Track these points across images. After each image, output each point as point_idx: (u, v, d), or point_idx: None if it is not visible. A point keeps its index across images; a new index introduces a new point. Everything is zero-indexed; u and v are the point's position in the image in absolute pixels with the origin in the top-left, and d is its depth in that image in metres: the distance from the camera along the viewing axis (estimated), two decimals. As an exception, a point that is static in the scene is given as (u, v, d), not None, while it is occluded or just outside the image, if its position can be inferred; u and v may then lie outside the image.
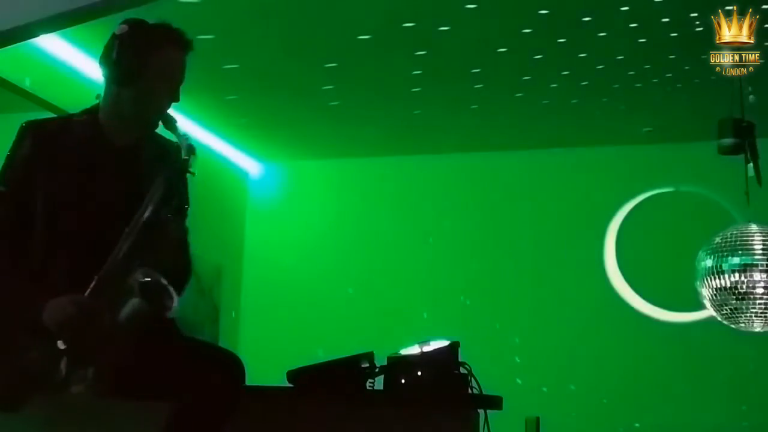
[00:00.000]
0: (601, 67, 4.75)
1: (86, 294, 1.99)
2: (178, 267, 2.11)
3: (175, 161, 2.08)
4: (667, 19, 4.16)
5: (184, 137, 2.09)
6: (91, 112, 2.24)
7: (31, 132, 2.19)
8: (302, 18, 4.27)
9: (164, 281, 1.97)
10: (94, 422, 2.26)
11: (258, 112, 5.64)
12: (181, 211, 2.09)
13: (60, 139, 2.17)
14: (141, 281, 1.95)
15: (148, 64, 2.14)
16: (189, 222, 2.15)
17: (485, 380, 2.48)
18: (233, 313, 6.27)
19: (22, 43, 3.44)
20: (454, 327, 4.73)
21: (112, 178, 2.16)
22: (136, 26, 2.18)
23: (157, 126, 2.21)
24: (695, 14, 4.06)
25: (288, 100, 5.35)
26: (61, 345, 1.97)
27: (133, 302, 1.95)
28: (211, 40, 4.40)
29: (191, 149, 2.07)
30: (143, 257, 1.98)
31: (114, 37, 2.17)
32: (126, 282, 1.96)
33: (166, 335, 2.21)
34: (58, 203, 2.12)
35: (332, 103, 5.37)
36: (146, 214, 2.01)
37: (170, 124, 2.15)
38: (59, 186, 2.12)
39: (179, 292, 2.04)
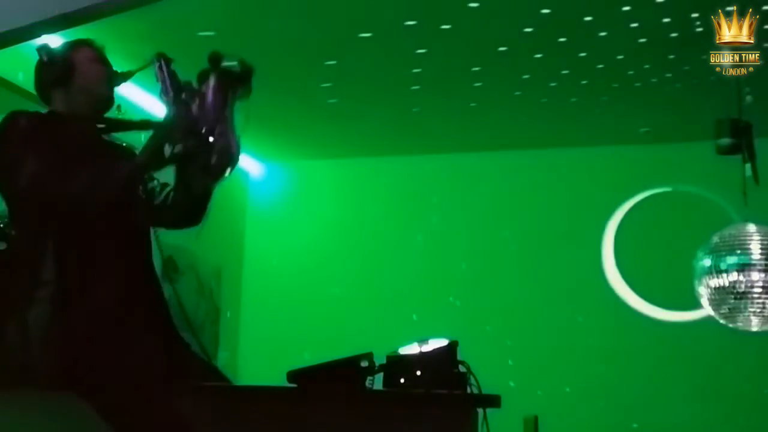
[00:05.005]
0: (600, 66, 4.76)
1: None
2: None
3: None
4: (667, 20, 4.18)
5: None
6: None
7: (26, 118, 2.23)
8: (302, 15, 4.27)
9: None
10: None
11: (257, 111, 5.59)
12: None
13: (50, 126, 2.26)
14: None
15: (75, 60, 2.35)
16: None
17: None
18: (228, 314, 6.26)
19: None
20: (445, 328, 4.70)
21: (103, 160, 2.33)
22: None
23: (106, 110, 2.41)
24: (696, 15, 4.07)
25: (287, 98, 5.33)
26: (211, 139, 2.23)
27: None
28: (210, 37, 4.41)
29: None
30: None
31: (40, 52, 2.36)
32: None
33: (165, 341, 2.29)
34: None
35: (331, 101, 5.38)
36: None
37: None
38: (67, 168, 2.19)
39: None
